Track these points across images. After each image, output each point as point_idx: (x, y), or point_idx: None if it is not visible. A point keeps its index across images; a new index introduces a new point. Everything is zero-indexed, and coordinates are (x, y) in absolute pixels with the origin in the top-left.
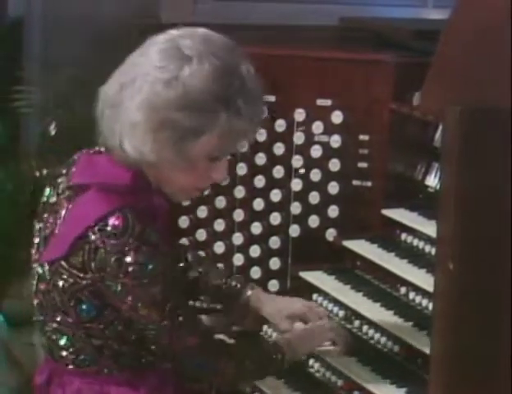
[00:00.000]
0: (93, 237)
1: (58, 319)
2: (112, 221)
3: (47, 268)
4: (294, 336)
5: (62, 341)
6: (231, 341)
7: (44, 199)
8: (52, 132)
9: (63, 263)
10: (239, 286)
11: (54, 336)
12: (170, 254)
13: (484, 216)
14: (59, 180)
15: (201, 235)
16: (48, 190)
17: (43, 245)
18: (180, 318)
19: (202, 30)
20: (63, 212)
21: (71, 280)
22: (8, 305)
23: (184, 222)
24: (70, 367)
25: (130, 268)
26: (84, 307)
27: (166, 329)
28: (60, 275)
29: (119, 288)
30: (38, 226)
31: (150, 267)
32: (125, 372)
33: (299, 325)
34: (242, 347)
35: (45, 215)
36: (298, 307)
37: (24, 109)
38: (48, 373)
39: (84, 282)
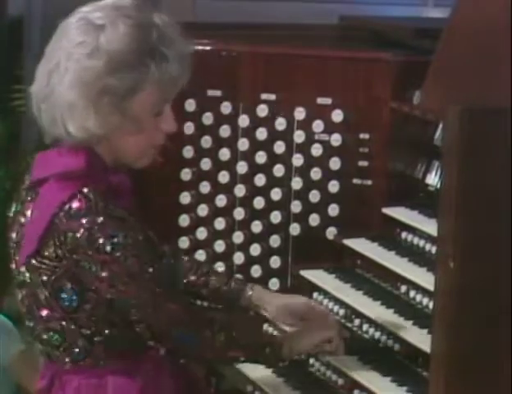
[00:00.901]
0: (59, 224)
1: (45, 317)
2: (74, 204)
3: (24, 269)
4: (292, 331)
5: (54, 339)
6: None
7: (13, 209)
8: None
9: (38, 258)
10: (238, 287)
11: (46, 336)
12: (142, 232)
13: (484, 214)
14: (22, 187)
15: (201, 233)
16: (14, 204)
17: (18, 252)
18: (161, 291)
19: (110, 0)
20: (29, 212)
21: (49, 272)
22: (8, 303)
23: (184, 220)
24: (68, 366)
25: (101, 244)
26: (65, 296)
27: (147, 302)
28: (38, 271)
29: (93, 267)
30: (11, 236)
31: (120, 239)
32: (119, 361)
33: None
34: (233, 319)
35: (15, 224)
36: (300, 304)
37: (23, 108)
38: (50, 377)
39: (61, 271)
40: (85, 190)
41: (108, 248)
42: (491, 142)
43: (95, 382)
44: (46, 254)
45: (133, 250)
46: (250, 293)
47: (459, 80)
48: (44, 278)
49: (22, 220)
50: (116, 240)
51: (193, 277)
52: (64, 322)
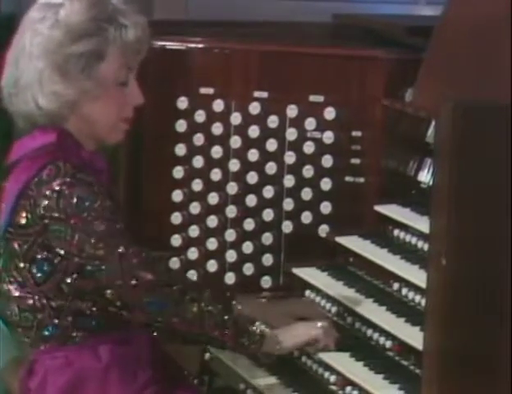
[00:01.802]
0: (30, 193)
1: (18, 295)
2: (44, 173)
3: (3, 245)
4: (280, 329)
5: (26, 316)
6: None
7: None
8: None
9: (11, 228)
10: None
11: (19, 318)
12: (112, 205)
13: (476, 212)
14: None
15: (194, 231)
16: None
17: None
18: (133, 259)
19: None
20: (4, 193)
21: (21, 241)
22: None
23: (176, 218)
24: (42, 347)
25: (69, 206)
26: (37, 266)
27: (116, 266)
28: (12, 242)
29: (63, 230)
30: None
31: (88, 202)
32: (86, 339)
33: None
34: (207, 295)
35: None
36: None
37: None
38: (29, 364)
39: (32, 238)
40: (56, 161)
41: (77, 210)
42: (483, 139)
43: (62, 362)
44: (18, 222)
45: (101, 213)
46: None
47: (452, 78)
48: (16, 247)
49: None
50: (84, 202)
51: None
52: (35, 297)
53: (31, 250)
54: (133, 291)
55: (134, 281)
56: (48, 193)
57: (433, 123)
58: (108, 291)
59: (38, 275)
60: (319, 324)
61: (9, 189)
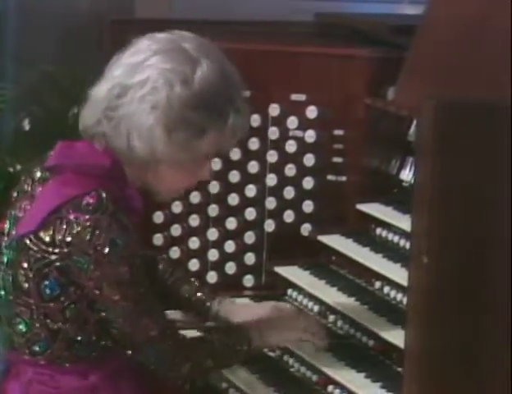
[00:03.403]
0: (65, 213)
1: (19, 301)
2: (86, 199)
3: (14, 245)
4: (265, 324)
5: (21, 326)
6: (199, 334)
7: (20, 187)
8: (26, 128)
9: (32, 237)
10: (207, 302)
11: (13, 322)
12: (141, 247)
13: (458, 210)
14: (35, 169)
15: (176, 230)
16: (23, 178)
17: (14, 228)
18: (144, 306)
19: (192, 34)
20: (37, 195)
21: (39, 255)
22: None
23: (158, 217)
24: (26, 356)
25: (100, 244)
26: (48, 283)
27: (128, 313)
28: (27, 251)
29: (86, 264)
30: (11, 212)
31: (120, 245)
32: (76, 363)
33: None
34: (204, 347)
35: (19, 203)
36: (267, 311)
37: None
38: (6, 363)
39: (52, 258)
40: (101, 190)
41: (106, 250)
42: (465, 137)
43: (47, 379)
44: (43, 236)
45: (129, 259)
46: (217, 308)
47: (433, 76)
48: (31, 260)
49: (28, 201)
50: (116, 244)
51: (167, 280)
52: (35, 311)
53: (46, 268)
54: (134, 339)
55: (140, 332)
56: (83, 223)
57: (415, 122)
58: (114, 329)
59: (47, 292)
60: (304, 324)
61: (44, 195)
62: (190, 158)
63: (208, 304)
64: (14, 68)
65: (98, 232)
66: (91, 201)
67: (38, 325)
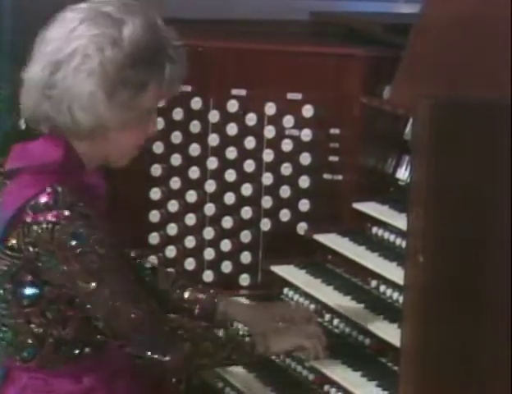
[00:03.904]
0: (25, 216)
1: (1, 311)
2: (42, 198)
3: None
4: (270, 331)
5: (7, 335)
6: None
7: None
8: (22, 127)
9: (1, 247)
10: (211, 301)
11: (1, 334)
12: (107, 235)
13: (453, 209)
14: None
15: (172, 229)
16: None
17: None
18: (122, 291)
19: None
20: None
21: (9, 263)
22: None
23: (154, 216)
24: (18, 363)
25: (63, 239)
26: (23, 289)
27: (107, 301)
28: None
29: (54, 262)
30: None
31: (83, 235)
32: (69, 366)
33: None
34: (202, 332)
35: None
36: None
37: None
38: (4, 369)
39: (22, 263)
40: (56, 185)
41: (70, 243)
42: (461, 136)
43: (41, 384)
44: (9, 244)
45: (96, 247)
46: (222, 309)
47: (430, 75)
48: (5, 268)
49: None
50: (79, 235)
51: (169, 291)
52: (17, 318)
53: (19, 274)
54: (122, 327)
55: (123, 318)
56: (42, 223)
57: (411, 120)
58: (99, 323)
59: (24, 298)
60: (310, 332)
61: (5, 201)
62: (135, 115)
63: (213, 305)
64: (10, 68)
65: (58, 228)
66: (47, 199)
67: (23, 332)
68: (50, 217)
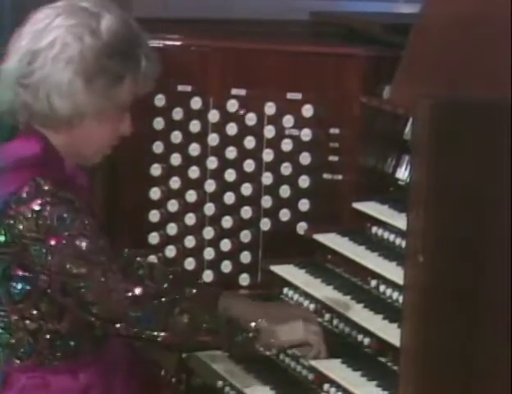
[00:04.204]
0: (10, 210)
1: None
2: (24, 190)
3: None
4: (272, 323)
5: (4, 337)
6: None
7: None
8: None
9: None
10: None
11: None
12: (93, 221)
13: (453, 209)
14: None
15: (172, 229)
16: None
17: None
18: (114, 272)
19: None
20: None
21: None
22: None
23: (154, 216)
24: (16, 364)
25: (48, 226)
26: (15, 284)
27: (101, 283)
28: None
29: (43, 250)
30: None
31: (68, 220)
32: (65, 361)
33: None
34: (198, 302)
35: None
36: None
37: None
38: (3, 375)
39: (11, 257)
40: (37, 178)
41: (57, 230)
42: (460, 136)
43: (39, 382)
44: None
45: (82, 230)
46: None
47: (430, 75)
48: None
49: None
50: (64, 221)
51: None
52: (11, 315)
53: (9, 269)
54: (118, 306)
55: (118, 296)
56: (27, 213)
57: (411, 120)
58: (94, 307)
59: (16, 293)
60: (316, 329)
61: None
62: (111, 106)
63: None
64: None
65: (43, 216)
66: (29, 190)
67: (18, 330)
68: (34, 205)
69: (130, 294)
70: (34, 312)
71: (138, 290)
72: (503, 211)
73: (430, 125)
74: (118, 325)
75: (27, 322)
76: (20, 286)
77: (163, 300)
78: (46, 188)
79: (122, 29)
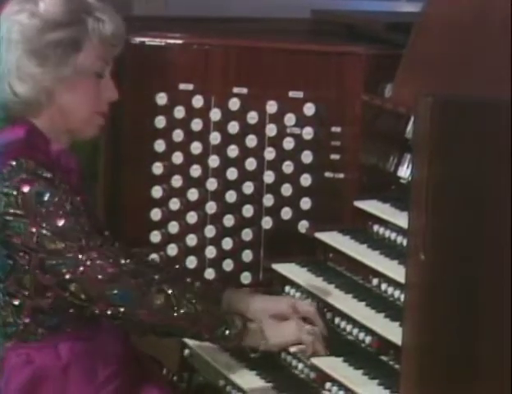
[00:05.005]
0: None
1: None
2: (6, 169)
3: None
4: (269, 324)
5: None
6: None
7: None
8: None
9: None
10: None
11: None
12: (76, 200)
13: (455, 207)
14: None
15: (173, 227)
16: None
17: None
18: (92, 249)
19: None
20: None
21: None
22: None
23: (156, 214)
24: (7, 344)
25: (27, 202)
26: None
27: (76, 259)
28: None
29: (22, 226)
30: None
31: (47, 197)
32: (48, 336)
33: None
34: (179, 284)
35: None
36: (284, 307)
37: None
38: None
39: None
40: (20, 157)
41: (35, 205)
42: (462, 135)
43: (24, 359)
44: None
45: (60, 207)
46: (228, 300)
47: (431, 73)
48: None
49: None
50: (43, 197)
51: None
52: None
53: None
54: (95, 284)
55: (95, 274)
56: (6, 190)
57: (412, 119)
58: (72, 285)
59: (1, 271)
60: (310, 328)
61: None
62: (75, 73)
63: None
64: None
65: (22, 192)
66: (10, 169)
67: (4, 307)
68: (14, 182)
69: (106, 271)
70: (18, 287)
71: (112, 268)
72: (504, 209)
73: (431, 124)
74: (95, 304)
75: (12, 299)
76: (2, 265)
77: (140, 279)
78: (27, 166)
79: (61, 1)
